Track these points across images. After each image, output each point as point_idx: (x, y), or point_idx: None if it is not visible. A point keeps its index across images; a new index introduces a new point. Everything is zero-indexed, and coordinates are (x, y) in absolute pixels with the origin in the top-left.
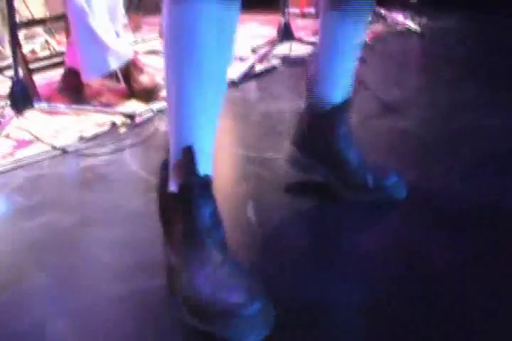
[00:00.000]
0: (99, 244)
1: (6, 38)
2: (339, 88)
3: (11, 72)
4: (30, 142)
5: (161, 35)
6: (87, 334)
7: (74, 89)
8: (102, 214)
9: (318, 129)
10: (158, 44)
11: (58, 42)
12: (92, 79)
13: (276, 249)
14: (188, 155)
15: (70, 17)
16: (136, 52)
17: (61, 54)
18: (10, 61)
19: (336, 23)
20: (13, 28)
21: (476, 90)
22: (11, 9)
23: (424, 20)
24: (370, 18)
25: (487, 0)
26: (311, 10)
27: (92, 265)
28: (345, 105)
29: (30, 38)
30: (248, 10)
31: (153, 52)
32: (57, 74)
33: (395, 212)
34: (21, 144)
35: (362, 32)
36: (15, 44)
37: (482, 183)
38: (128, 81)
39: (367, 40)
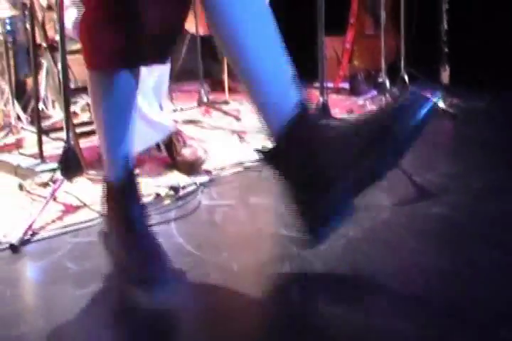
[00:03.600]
0: (152, 314)
1: (50, 99)
2: None
3: (55, 134)
4: (77, 207)
5: (199, 104)
6: None
7: None
8: None
9: None
10: (196, 113)
11: None
12: (136, 152)
13: (319, 331)
14: None
15: None
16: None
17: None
18: (53, 121)
19: None
20: (66, 97)
21: (508, 174)
22: (65, 77)
23: (455, 100)
24: None
25: None
26: (345, 85)
27: (150, 336)
28: None
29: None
30: None
31: (191, 121)
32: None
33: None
34: (69, 209)
35: None
36: (67, 113)
37: None
38: (171, 153)
39: None
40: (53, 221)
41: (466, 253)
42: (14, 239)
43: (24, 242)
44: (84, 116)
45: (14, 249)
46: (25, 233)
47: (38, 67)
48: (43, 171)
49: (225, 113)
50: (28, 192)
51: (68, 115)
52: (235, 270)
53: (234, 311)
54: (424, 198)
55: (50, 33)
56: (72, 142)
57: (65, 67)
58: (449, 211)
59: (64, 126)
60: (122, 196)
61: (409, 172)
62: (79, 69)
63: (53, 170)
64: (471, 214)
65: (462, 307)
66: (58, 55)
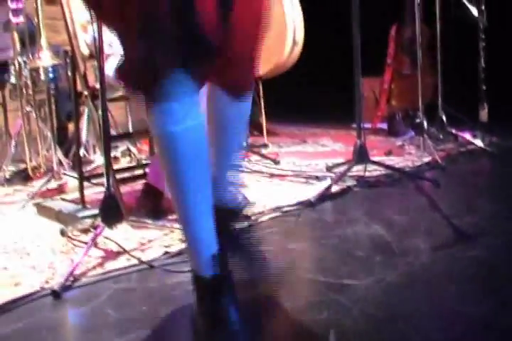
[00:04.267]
0: None
1: (91, 144)
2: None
3: (97, 180)
4: (117, 253)
5: None
6: None
7: (153, 206)
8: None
9: None
10: None
11: (139, 150)
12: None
13: None
14: None
15: None
16: None
17: (142, 165)
18: (95, 166)
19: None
20: (107, 145)
21: None
22: (105, 125)
23: (494, 139)
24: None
25: None
26: (384, 126)
27: None
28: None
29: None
30: (319, 124)
31: None
32: (137, 184)
33: None
34: (109, 255)
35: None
36: (108, 160)
37: None
38: None
39: (439, 160)
40: (94, 267)
41: (506, 299)
42: (56, 285)
43: (65, 288)
44: (125, 161)
45: (56, 295)
46: (66, 279)
47: (79, 113)
48: (84, 217)
49: (264, 156)
50: (70, 237)
51: (108, 162)
52: (272, 316)
53: None
54: (463, 241)
55: (91, 80)
56: (112, 189)
57: (106, 115)
58: (488, 254)
59: (104, 173)
60: (216, 293)
61: (448, 214)
62: (119, 115)
63: (94, 216)
64: (509, 259)
65: None
66: (99, 102)
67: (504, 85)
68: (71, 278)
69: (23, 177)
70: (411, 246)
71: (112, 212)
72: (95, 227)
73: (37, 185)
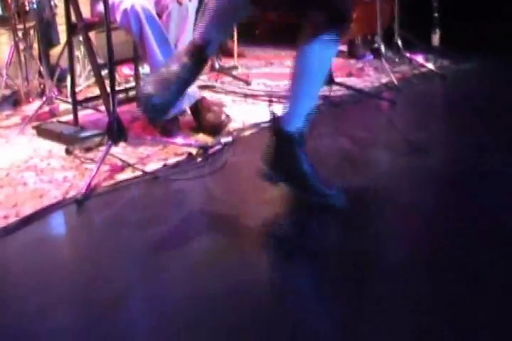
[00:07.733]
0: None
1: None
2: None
3: (89, 103)
4: (122, 167)
5: (211, 70)
6: None
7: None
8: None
9: (283, 152)
10: (208, 79)
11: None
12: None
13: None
14: None
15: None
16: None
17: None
18: (80, 88)
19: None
20: (111, 70)
21: (494, 135)
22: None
23: (445, 62)
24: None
25: (507, 43)
26: (343, 48)
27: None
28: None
29: None
30: (283, 46)
31: (206, 86)
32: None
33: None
34: (116, 169)
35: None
36: (112, 86)
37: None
38: (197, 118)
39: (395, 81)
40: (105, 179)
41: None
42: (78, 195)
43: (86, 198)
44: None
45: (79, 203)
46: (86, 189)
47: (72, 43)
48: (85, 137)
49: (235, 78)
50: (75, 155)
51: (113, 87)
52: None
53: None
54: (416, 153)
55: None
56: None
57: (111, 41)
58: (438, 163)
59: (110, 98)
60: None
61: (404, 130)
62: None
63: (96, 136)
64: (458, 169)
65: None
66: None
67: (454, 12)
68: (89, 189)
69: (12, 102)
70: (373, 158)
71: (116, 131)
72: (100, 145)
73: (27, 109)
